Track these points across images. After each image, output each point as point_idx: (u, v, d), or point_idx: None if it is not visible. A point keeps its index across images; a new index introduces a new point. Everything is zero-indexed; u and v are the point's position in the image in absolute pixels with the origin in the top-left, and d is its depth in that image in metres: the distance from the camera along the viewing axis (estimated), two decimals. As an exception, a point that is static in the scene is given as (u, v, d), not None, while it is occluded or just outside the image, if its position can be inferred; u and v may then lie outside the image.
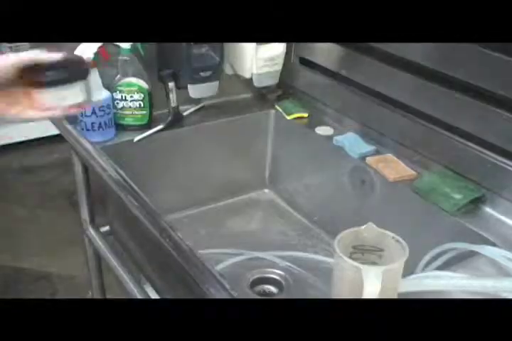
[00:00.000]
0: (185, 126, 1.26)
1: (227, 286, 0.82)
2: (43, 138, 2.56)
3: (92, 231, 1.33)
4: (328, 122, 1.27)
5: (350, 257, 0.66)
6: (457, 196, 0.97)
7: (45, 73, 0.75)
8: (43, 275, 1.97)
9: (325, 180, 1.25)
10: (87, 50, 0.95)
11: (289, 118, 1.30)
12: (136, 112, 1.18)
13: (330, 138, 1.21)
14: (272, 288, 1.16)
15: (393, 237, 0.68)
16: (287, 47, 1.30)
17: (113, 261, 1.23)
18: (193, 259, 0.88)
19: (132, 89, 1.15)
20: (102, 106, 1.12)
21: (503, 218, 0.95)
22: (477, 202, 0.98)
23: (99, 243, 1.29)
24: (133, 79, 1.15)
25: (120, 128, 1.19)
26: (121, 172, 1.00)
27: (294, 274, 1.17)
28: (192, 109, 1.32)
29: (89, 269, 1.42)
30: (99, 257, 1.36)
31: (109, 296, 1.49)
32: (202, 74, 1.23)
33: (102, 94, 1.11)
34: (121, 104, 1.17)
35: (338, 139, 1.18)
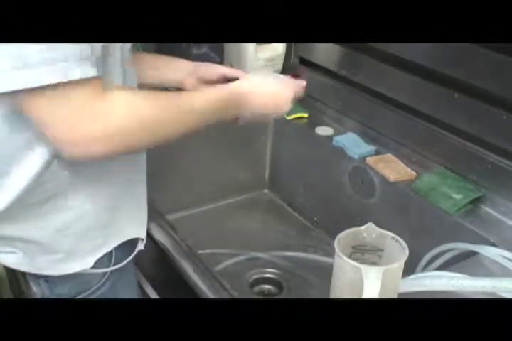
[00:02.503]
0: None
1: (227, 286, 0.82)
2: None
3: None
4: (328, 122, 1.27)
5: (350, 257, 0.66)
6: (457, 196, 0.97)
7: None
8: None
9: (325, 180, 1.25)
10: None
11: (288, 118, 1.29)
12: (136, 112, 1.18)
13: (330, 138, 1.21)
14: (272, 288, 1.16)
15: (393, 237, 0.68)
16: (287, 47, 1.30)
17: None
18: (193, 259, 0.88)
19: (132, 89, 1.15)
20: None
21: (503, 218, 0.95)
22: (477, 202, 0.98)
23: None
24: (133, 79, 1.15)
25: (120, 128, 1.18)
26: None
27: (294, 274, 1.17)
28: (192, 109, 1.32)
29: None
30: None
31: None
32: (202, 74, 1.23)
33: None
34: (121, 104, 1.16)
35: (338, 139, 1.18)
